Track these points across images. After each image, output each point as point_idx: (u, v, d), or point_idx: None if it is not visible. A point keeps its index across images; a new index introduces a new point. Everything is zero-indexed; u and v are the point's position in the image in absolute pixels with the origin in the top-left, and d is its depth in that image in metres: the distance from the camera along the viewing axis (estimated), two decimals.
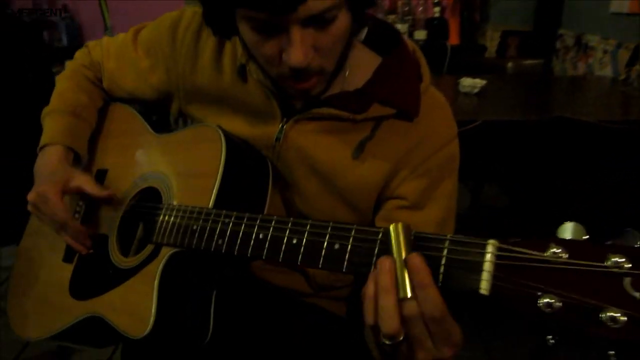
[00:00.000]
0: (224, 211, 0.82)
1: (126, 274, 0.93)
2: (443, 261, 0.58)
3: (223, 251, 0.80)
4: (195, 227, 0.85)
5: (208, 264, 0.92)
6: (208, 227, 0.83)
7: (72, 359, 2.06)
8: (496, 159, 2.42)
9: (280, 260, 0.72)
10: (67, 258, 1.07)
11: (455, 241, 0.58)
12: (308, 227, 0.71)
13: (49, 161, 1.04)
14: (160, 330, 0.87)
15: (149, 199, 1.00)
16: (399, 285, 0.57)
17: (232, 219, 0.80)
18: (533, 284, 0.52)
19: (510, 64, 3.31)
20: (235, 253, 0.78)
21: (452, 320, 0.59)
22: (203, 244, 0.83)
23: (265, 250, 0.74)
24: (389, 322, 0.57)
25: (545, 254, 0.52)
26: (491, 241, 0.56)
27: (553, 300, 0.50)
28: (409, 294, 0.57)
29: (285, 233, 0.73)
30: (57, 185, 1.00)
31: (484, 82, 2.50)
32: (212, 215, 0.84)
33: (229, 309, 0.99)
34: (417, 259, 0.57)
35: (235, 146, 0.94)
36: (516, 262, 0.54)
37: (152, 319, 0.85)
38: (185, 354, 0.95)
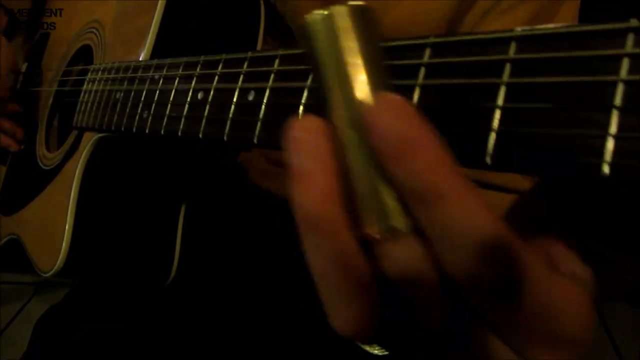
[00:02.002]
0: (155, 61, 0.45)
1: (47, 177, 0.61)
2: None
3: (147, 130, 0.44)
4: (118, 95, 0.49)
5: (162, 157, 0.57)
6: (132, 92, 0.47)
7: None
8: None
9: (225, 138, 0.35)
10: (1, 158, 0.77)
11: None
12: (276, 64, 0.32)
13: None
14: (84, 266, 0.55)
15: (88, 63, 0.65)
16: (356, 200, 0.19)
17: (164, 70, 0.43)
18: None
19: None
20: (162, 132, 0.42)
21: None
22: (124, 120, 0.47)
23: (204, 123, 0.37)
24: (335, 304, 0.20)
25: None
26: None
27: None
28: (400, 223, 0.19)
29: (237, 82, 0.35)
30: None
31: None
32: (140, 71, 0.47)
33: (210, 233, 0.65)
34: (395, 101, 0.18)
35: None
36: None
37: (63, 248, 0.52)
38: (146, 297, 0.63)
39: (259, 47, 0.57)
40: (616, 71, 0.18)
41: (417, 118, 0.18)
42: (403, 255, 0.19)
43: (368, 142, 0.18)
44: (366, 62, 0.19)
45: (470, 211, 0.17)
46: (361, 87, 0.19)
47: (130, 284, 0.60)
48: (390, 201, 0.19)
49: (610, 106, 0.18)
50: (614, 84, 0.18)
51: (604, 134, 0.18)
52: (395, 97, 0.18)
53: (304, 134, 0.19)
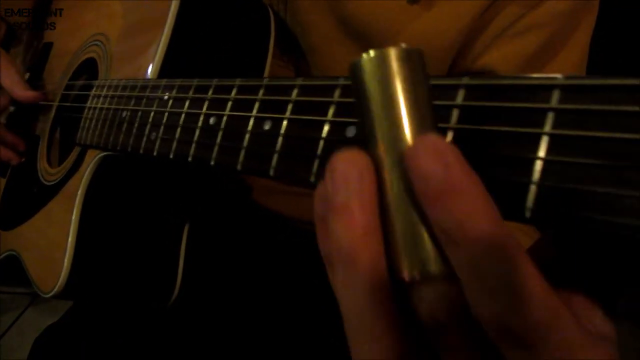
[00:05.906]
0: (164, 80, 0.44)
1: (49, 193, 0.60)
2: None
3: (155, 153, 0.43)
4: (124, 114, 0.48)
5: (166, 177, 0.56)
6: (140, 112, 0.46)
7: None
8: None
9: (239, 167, 0.34)
10: (1, 171, 0.76)
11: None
12: (295, 93, 0.31)
13: None
14: (86, 286, 0.53)
15: (92, 77, 0.64)
16: (393, 240, 0.19)
17: (174, 91, 0.42)
18: None
19: None
20: (171, 156, 0.41)
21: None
22: (131, 140, 0.46)
23: (216, 150, 0.36)
24: (365, 342, 0.19)
25: None
26: None
27: None
28: (436, 268, 0.19)
29: (252, 110, 0.34)
30: None
31: None
32: (148, 90, 0.46)
33: (213, 253, 0.64)
34: (438, 143, 0.18)
35: None
36: None
37: (65, 269, 0.51)
38: (147, 317, 0.61)
39: (268, 61, 0.56)
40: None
41: (457, 160, 0.18)
42: (435, 298, 0.19)
43: (409, 183, 0.18)
44: (413, 103, 0.19)
45: (504, 256, 0.17)
46: (406, 128, 0.19)
47: (132, 305, 0.59)
48: (427, 244, 0.19)
49: None
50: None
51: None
52: (435, 139, 0.18)
53: (349, 168, 0.19)
